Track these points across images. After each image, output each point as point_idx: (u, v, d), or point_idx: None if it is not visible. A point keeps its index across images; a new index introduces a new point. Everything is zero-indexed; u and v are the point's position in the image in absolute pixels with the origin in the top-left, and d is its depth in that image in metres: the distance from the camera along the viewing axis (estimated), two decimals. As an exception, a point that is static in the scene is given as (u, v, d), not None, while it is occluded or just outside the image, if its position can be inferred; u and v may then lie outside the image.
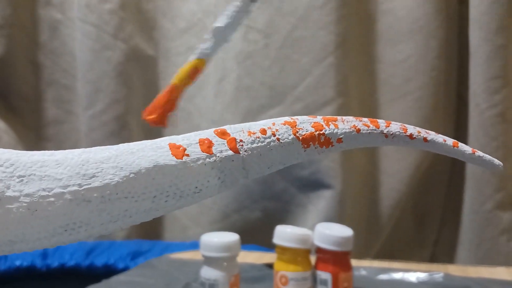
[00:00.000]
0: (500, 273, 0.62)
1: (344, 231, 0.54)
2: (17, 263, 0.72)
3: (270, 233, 0.56)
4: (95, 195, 0.23)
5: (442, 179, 0.90)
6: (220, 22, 0.22)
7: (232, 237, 0.53)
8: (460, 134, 0.86)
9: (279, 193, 0.88)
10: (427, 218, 0.91)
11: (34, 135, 0.95)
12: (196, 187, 0.24)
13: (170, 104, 0.23)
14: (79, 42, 0.90)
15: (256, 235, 0.81)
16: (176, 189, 0.24)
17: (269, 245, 0.64)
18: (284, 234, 0.54)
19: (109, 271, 0.71)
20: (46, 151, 0.24)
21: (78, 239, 0.23)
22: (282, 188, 0.87)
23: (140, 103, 0.92)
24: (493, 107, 0.79)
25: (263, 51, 0.85)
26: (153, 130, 0.94)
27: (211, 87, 0.90)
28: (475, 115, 0.81)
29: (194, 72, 0.22)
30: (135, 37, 0.90)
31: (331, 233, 0.53)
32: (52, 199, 0.22)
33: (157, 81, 0.94)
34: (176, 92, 0.22)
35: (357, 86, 0.86)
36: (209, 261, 0.52)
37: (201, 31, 0.90)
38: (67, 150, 0.24)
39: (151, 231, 0.93)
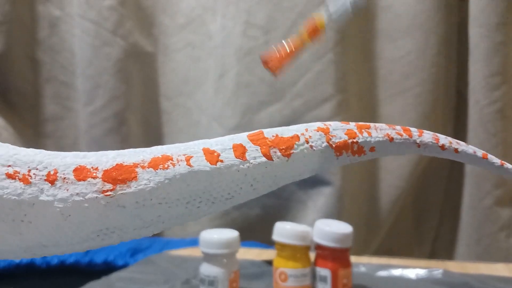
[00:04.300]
0: (499, 269, 0.62)
1: (343, 227, 0.54)
2: (17, 260, 0.72)
3: (269, 229, 0.56)
4: (129, 200, 0.22)
5: (441, 176, 0.90)
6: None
7: (231, 233, 0.53)
8: (460, 130, 0.86)
9: (279, 190, 0.87)
10: (426, 214, 0.91)
11: (33, 131, 0.95)
12: (229, 193, 0.24)
13: (289, 57, 0.23)
14: (78, 39, 0.90)
15: (256, 231, 0.81)
16: (209, 195, 0.23)
17: (268, 242, 0.65)
18: (283, 230, 0.54)
19: (108, 268, 0.71)
20: (79, 153, 0.23)
21: (110, 243, 0.23)
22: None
23: (139, 99, 0.92)
24: (493, 103, 0.79)
25: (263, 47, 0.85)
26: (152, 127, 0.94)
27: (211, 83, 0.90)
28: (475, 112, 0.81)
29: (313, 31, 0.22)
30: (134, 33, 0.90)
31: (331, 229, 0.53)
32: (86, 204, 0.22)
33: (156, 77, 0.93)
34: (296, 48, 0.22)
35: (356, 83, 0.86)
36: (208, 257, 0.52)
37: (200, 26, 0.90)
38: (100, 152, 0.23)
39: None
